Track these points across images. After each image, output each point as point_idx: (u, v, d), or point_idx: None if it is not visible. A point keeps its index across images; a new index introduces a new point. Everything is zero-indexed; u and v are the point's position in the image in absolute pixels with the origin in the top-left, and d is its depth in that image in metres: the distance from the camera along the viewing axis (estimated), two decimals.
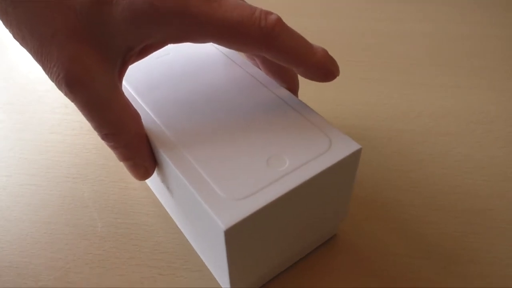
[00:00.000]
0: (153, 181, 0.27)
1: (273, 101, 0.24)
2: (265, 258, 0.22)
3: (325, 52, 0.22)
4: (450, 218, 0.27)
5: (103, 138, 0.22)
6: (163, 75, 0.26)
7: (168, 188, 0.24)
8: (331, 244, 0.26)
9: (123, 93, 0.22)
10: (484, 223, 0.27)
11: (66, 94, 0.20)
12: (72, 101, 0.20)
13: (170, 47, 0.29)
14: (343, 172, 0.22)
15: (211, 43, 0.29)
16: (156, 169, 0.24)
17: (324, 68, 0.22)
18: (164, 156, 0.21)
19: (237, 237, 0.19)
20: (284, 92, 0.25)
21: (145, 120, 0.23)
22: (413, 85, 0.38)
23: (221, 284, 0.24)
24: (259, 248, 0.21)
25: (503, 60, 0.41)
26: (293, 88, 0.26)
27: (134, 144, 0.22)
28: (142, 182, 0.30)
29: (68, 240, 0.27)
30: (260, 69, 0.26)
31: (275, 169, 0.20)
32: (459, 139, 0.33)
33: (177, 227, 0.27)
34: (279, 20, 0.20)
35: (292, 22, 0.50)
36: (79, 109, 0.21)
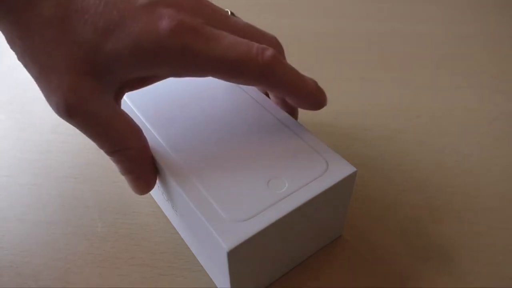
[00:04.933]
0: (159, 199, 0.28)
1: (273, 123, 0.25)
2: (265, 272, 0.23)
3: (316, 84, 0.24)
4: (450, 218, 0.27)
5: (107, 154, 0.23)
6: (168, 98, 0.27)
7: (173, 206, 0.25)
8: (332, 245, 0.26)
9: (122, 112, 0.22)
10: (484, 223, 0.27)
11: (67, 120, 0.21)
12: (73, 125, 0.21)
13: None
14: (339, 193, 0.23)
15: None
16: (162, 188, 0.25)
17: (314, 99, 0.24)
18: (170, 178, 0.22)
19: (240, 257, 0.20)
20: (283, 115, 0.26)
21: (151, 142, 0.24)
22: (413, 85, 0.38)
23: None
24: (260, 265, 0.22)
25: (503, 60, 0.41)
26: (292, 107, 0.27)
27: (137, 158, 0.23)
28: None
29: (68, 240, 0.27)
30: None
31: (276, 191, 0.21)
32: (459, 139, 0.33)
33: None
34: (275, 56, 0.21)
35: (293, 22, 0.50)
36: (81, 131, 0.21)
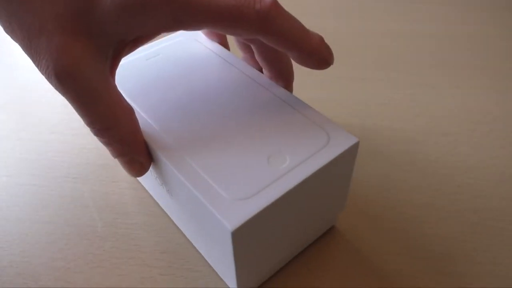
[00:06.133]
0: (152, 185, 0.27)
1: (268, 98, 0.24)
2: (269, 254, 0.22)
3: (321, 39, 0.22)
4: (450, 218, 0.27)
5: (96, 134, 0.21)
6: (154, 78, 0.26)
7: (168, 191, 0.24)
8: (331, 244, 0.26)
9: (115, 86, 0.21)
10: (484, 223, 0.27)
11: (56, 87, 0.19)
12: (63, 94, 0.20)
13: (159, 48, 0.28)
14: (342, 165, 0.22)
15: (200, 42, 0.29)
16: (154, 172, 0.24)
17: (319, 55, 0.22)
18: (164, 160, 0.21)
19: (244, 237, 0.19)
20: (279, 89, 0.25)
21: (142, 125, 0.23)
22: (413, 85, 0.38)
23: (226, 281, 0.24)
24: (264, 245, 0.21)
25: (503, 60, 0.41)
26: (288, 78, 0.25)
27: (128, 138, 0.21)
28: (140, 182, 0.30)
29: (68, 240, 0.27)
30: (255, 57, 0.26)
31: (276, 167, 0.20)
32: (459, 139, 0.33)
33: (177, 226, 0.27)
34: (274, 2, 0.20)
35: None
36: (70, 102, 0.20)
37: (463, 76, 0.39)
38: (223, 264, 0.22)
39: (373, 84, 0.38)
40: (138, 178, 0.30)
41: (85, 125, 0.21)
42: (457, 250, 0.26)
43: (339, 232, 0.27)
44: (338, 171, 0.22)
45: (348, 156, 0.22)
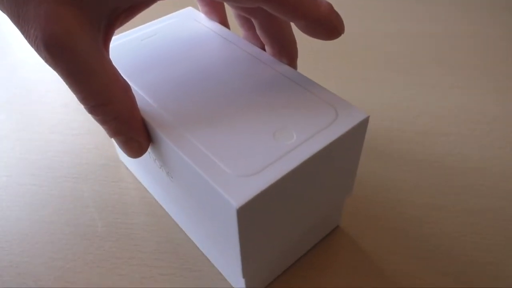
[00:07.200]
0: (149, 172, 0.26)
1: (271, 75, 0.23)
2: (275, 240, 0.21)
3: (330, 6, 0.20)
4: (450, 218, 0.27)
5: (90, 111, 0.20)
6: (152, 57, 0.25)
7: (168, 173, 0.23)
8: (332, 244, 0.26)
9: (109, 59, 0.20)
10: (484, 223, 0.27)
11: (46, 60, 0.18)
12: (54, 68, 0.18)
13: (155, 29, 0.27)
14: (351, 142, 0.21)
15: (199, 21, 0.28)
16: (153, 154, 0.23)
17: (328, 23, 0.20)
18: (163, 138, 0.20)
19: (249, 216, 0.18)
20: (284, 67, 0.24)
21: (140, 103, 0.22)
22: (413, 85, 0.38)
23: (229, 280, 0.24)
24: (270, 228, 0.20)
25: (504, 60, 0.41)
26: (292, 54, 0.24)
27: (125, 116, 0.20)
28: (140, 181, 0.30)
29: (68, 240, 0.27)
30: (257, 32, 0.25)
31: (283, 143, 0.19)
32: (459, 139, 0.33)
33: (177, 226, 0.27)
34: None
35: None
36: (61, 77, 0.18)
37: (463, 76, 0.39)
38: (227, 255, 0.21)
39: (373, 84, 0.38)
40: (134, 169, 0.30)
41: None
42: (457, 250, 0.26)
43: (342, 233, 0.27)
44: (347, 147, 0.21)
45: (358, 132, 0.21)
